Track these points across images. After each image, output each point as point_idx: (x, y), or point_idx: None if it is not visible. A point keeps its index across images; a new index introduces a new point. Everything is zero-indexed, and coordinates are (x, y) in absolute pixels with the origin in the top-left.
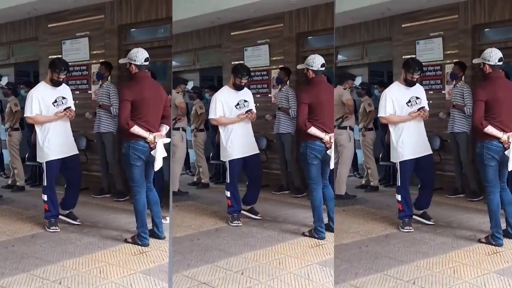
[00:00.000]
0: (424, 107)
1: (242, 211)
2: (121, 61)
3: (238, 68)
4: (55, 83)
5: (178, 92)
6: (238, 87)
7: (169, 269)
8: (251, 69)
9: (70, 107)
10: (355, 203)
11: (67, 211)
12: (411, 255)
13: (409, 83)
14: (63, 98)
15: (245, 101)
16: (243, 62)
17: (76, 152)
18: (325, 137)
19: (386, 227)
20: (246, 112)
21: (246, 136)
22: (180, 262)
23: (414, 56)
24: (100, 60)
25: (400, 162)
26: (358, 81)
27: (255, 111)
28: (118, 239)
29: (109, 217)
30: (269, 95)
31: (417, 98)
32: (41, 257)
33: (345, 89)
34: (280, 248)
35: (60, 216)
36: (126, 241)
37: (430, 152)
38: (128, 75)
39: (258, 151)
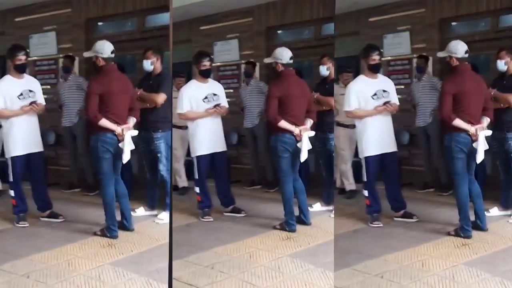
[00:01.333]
0: (390, 101)
1: (226, 214)
2: (86, 54)
3: (196, 55)
4: (19, 68)
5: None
6: (204, 73)
7: (169, 266)
8: (221, 64)
9: (36, 101)
10: None
11: (47, 211)
12: (380, 249)
13: (373, 68)
14: (30, 91)
15: (214, 94)
16: None
17: (41, 149)
18: (295, 130)
19: (355, 222)
20: (215, 106)
21: (215, 132)
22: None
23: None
24: (70, 52)
25: (365, 157)
26: None
27: (227, 106)
28: (87, 232)
29: (78, 211)
30: (240, 90)
31: (384, 91)
32: (9, 252)
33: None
34: (251, 241)
35: (41, 219)
36: (95, 233)
37: (395, 149)
38: (94, 68)
39: (225, 149)
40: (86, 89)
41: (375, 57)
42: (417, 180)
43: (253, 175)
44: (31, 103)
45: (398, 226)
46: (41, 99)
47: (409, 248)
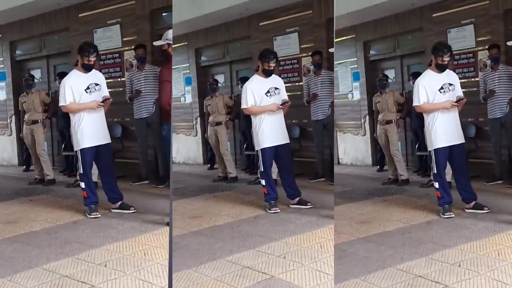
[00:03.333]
0: (463, 98)
1: (292, 205)
2: (158, 43)
3: (263, 53)
4: (87, 68)
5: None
6: (267, 73)
7: (169, 265)
8: (281, 58)
9: (109, 98)
10: (395, 193)
11: (118, 203)
12: (454, 239)
13: (441, 68)
14: (96, 84)
15: (276, 88)
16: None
17: (109, 141)
18: None
19: (427, 214)
20: (283, 104)
21: (278, 125)
22: (222, 249)
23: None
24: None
25: (434, 149)
26: (391, 74)
27: (287, 99)
28: (159, 223)
29: (148, 203)
30: (300, 83)
31: (450, 84)
32: (84, 242)
33: None
34: (320, 232)
35: (113, 210)
36: (167, 224)
37: (463, 141)
38: (164, 57)
39: (288, 141)
40: (158, 78)
41: (446, 58)
42: (484, 172)
43: (317, 168)
44: (103, 101)
45: (470, 217)
46: (106, 92)
47: (483, 238)
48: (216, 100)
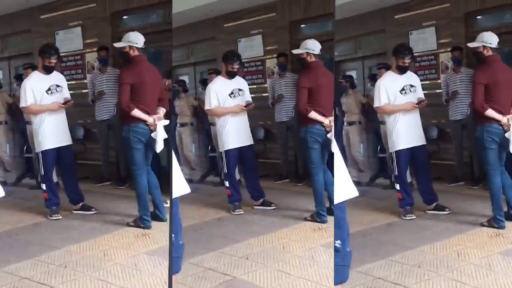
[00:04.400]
0: (424, 100)
1: (256, 207)
2: (118, 44)
3: (227, 55)
4: (48, 70)
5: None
6: (231, 74)
7: (169, 266)
8: (245, 60)
9: (70, 100)
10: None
11: (79, 204)
12: (415, 241)
13: (402, 69)
14: (57, 86)
15: (240, 90)
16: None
17: (70, 142)
18: (325, 121)
19: (388, 216)
20: (247, 105)
21: (242, 126)
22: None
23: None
24: (96, 47)
25: (395, 151)
26: (352, 75)
27: (251, 101)
28: (120, 224)
29: (110, 204)
30: (265, 85)
31: (411, 86)
32: (45, 244)
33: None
34: (284, 233)
35: (74, 212)
36: (128, 224)
37: (424, 142)
38: (124, 60)
39: (252, 142)
40: (118, 80)
41: (407, 60)
42: (446, 174)
43: (282, 169)
44: (65, 103)
45: (431, 219)
46: (67, 93)
47: (444, 239)
48: (182, 102)
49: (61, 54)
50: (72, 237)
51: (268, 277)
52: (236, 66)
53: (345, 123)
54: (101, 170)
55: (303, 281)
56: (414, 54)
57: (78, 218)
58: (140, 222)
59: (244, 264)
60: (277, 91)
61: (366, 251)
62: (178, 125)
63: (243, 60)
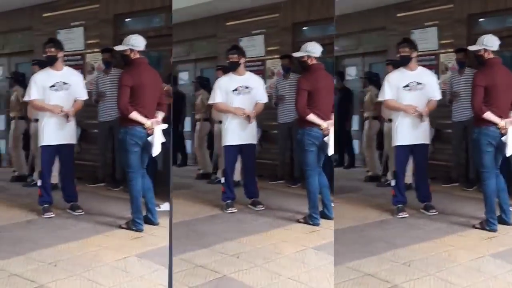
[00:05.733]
0: (435, 99)
1: (249, 206)
2: (119, 47)
3: (227, 48)
4: (49, 60)
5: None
6: (232, 66)
7: (169, 255)
8: (246, 59)
9: (68, 116)
10: (349, 191)
11: (70, 203)
12: (406, 239)
13: (404, 61)
14: (64, 83)
15: (247, 87)
16: None
17: (73, 142)
18: (323, 124)
19: (381, 213)
20: (246, 116)
21: (245, 124)
22: (176, 247)
23: None
24: (98, 49)
25: (394, 146)
26: (352, 71)
27: (264, 100)
28: (112, 225)
29: (103, 205)
30: (264, 85)
31: (419, 83)
32: (36, 241)
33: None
34: (275, 233)
35: (67, 210)
36: (120, 227)
37: (427, 142)
38: (125, 62)
39: (255, 142)
40: (118, 82)
41: (402, 49)
42: (441, 174)
43: (277, 170)
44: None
45: (423, 218)
46: (78, 93)
47: (435, 239)
48: (198, 98)
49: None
50: (63, 236)
51: (258, 276)
52: (232, 56)
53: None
54: (96, 171)
55: (293, 282)
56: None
57: (71, 217)
58: (132, 225)
59: (235, 262)
60: (280, 92)
61: (356, 247)
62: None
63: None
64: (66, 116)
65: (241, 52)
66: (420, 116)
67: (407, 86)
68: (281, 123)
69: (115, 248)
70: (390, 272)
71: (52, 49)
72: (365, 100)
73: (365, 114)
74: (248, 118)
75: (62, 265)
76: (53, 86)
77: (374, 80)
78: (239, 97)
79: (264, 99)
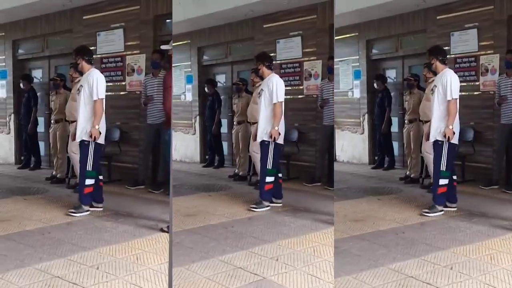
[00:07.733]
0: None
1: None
2: (165, 47)
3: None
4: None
5: None
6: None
7: (169, 263)
8: (283, 61)
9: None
10: (390, 192)
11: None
12: (447, 242)
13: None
14: (81, 86)
15: (262, 90)
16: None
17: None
18: None
19: (421, 215)
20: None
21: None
22: (215, 248)
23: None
24: (137, 50)
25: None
26: (391, 74)
27: (279, 100)
28: (153, 229)
29: (143, 208)
30: (301, 87)
31: (435, 86)
32: (77, 244)
33: None
34: (316, 236)
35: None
36: (162, 230)
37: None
38: (168, 63)
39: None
40: (163, 84)
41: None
42: (480, 177)
43: (314, 172)
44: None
45: (464, 221)
46: (97, 94)
47: (476, 242)
48: (241, 100)
49: (101, 56)
50: (104, 239)
51: (298, 279)
52: (257, 65)
53: (406, 121)
54: (137, 173)
55: (331, 286)
56: (455, 56)
57: (111, 219)
58: None
59: (274, 265)
60: (325, 95)
61: (398, 249)
62: (236, 123)
63: (280, 62)
64: None
65: (260, 60)
66: None
67: (431, 90)
68: (324, 125)
69: (157, 252)
70: (432, 275)
71: (76, 61)
72: (413, 102)
73: (409, 117)
74: None
75: (104, 268)
76: (77, 90)
77: (418, 83)
78: (260, 100)
79: (277, 99)
